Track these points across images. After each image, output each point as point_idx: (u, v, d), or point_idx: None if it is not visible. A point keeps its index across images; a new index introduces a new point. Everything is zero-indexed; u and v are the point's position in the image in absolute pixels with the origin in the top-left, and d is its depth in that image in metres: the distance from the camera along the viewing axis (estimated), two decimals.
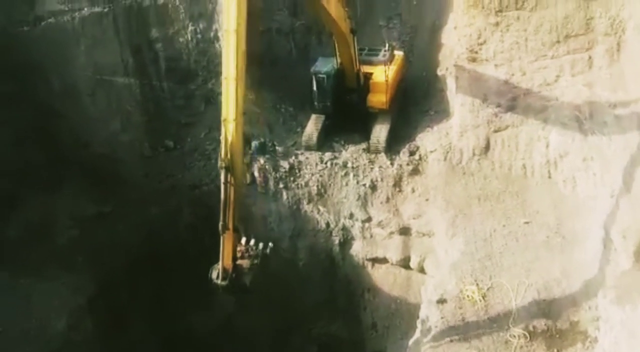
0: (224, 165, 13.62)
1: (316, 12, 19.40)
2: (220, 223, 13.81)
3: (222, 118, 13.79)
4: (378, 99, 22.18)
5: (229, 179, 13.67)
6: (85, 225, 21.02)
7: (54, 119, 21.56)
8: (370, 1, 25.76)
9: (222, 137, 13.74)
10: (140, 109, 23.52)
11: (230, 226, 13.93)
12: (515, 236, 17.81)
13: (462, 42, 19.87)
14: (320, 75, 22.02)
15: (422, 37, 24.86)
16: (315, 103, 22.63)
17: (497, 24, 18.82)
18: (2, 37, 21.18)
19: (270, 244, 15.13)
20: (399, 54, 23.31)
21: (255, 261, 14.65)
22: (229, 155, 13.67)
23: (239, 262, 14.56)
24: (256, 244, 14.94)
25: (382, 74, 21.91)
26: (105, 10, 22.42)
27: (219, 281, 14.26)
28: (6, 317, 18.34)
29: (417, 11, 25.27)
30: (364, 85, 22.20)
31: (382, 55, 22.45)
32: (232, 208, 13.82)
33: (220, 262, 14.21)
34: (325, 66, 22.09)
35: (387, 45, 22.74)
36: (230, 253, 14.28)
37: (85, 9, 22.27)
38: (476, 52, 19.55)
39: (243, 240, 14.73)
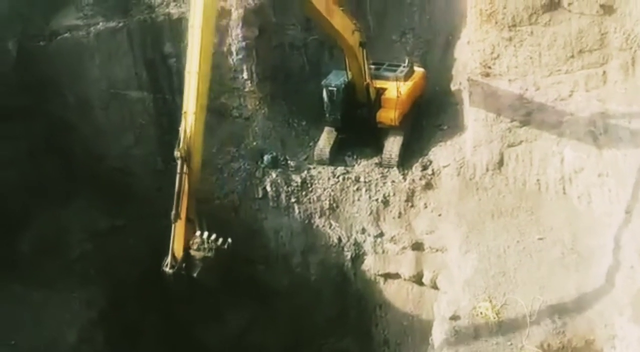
0: (180, 155, 14.15)
1: (321, 25, 19.55)
2: (173, 212, 14.36)
3: (183, 111, 14.40)
4: (387, 115, 22.06)
5: (184, 170, 14.21)
6: (97, 238, 21.11)
7: (68, 132, 21.75)
8: (382, 16, 25.78)
9: (181, 129, 14.31)
10: (153, 123, 23.60)
11: (183, 215, 14.40)
12: (529, 252, 17.61)
13: (475, 56, 19.78)
14: (331, 88, 22.02)
15: (435, 51, 24.82)
16: (326, 115, 22.59)
17: (510, 39, 18.72)
18: (19, 52, 21.47)
19: (229, 240, 15.23)
20: (419, 70, 23.15)
21: (209, 254, 14.74)
22: (185, 147, 14.18)
23: (192, 253, 14.76)
24: (216, 239, 15.04)
25: (400, 89, 21.84)
26: (120, 25, 22.62)
27: (166, 269, 14.61)
28: (18, 329, 18.42)
29: (431, 26, 25.25)
30: (376, 100, 22.13)
31: (400, 71, 22.34)
32: (185, 198, 14.28)
33: (170, 251, 14.59)
34: (336, 79, 22.09)
35: (406, 61, 22.71)
36: (182, 242, 14.60)
37: (100, 23, 22.49)
38: (489, 67, 19.44)
39: (206, 234, 14.93)
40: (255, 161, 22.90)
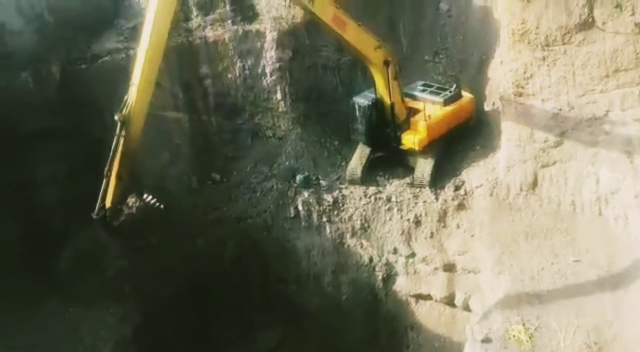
0: (120, 119, 15.84)
1: (336, 39, 20.07)
2: (107, 168, 16.16)
3: (131, 82, 16.02)
4: (412, 139, 21.85)
5: (122, 133, 15.94)
6: (133, 256, 21.50)
7: (106, 152, 22.29)
8: (415, 36, 25.94)
9: (126, 97, 16.02)
10: (189, 143, 24.15)
11: (114, 173, 16.18)
12: (564, 275, 17.23)
13: (508, 76, 19.67)
14: (358, 104, 22.17)
15: (468, 71, 24.78)
16: (351, 129, 22.83)
17: (543, 58, 18.57)
18: (62, 75, 22.26)
19: (161, 206, 17.46)
20: (466, 96, 22.70)
21: (133, 210, 16.73)
22: (125, 112, 15.90)
23: (123, 207, 16.72)
24: (146, 200, 17.26)
25: (432, 113, 21.77)
26: None
27: (93, 215, 16.44)
28: (55, 345, 18.83)
29: (464, 46, 25.27)
30: (405, 121, 22.06)
31: (443, 95, 22.14)
32: (118, 157, 16.00)
33: (99, 200, 16.36)
34: (367, 96, 22.19)
35: (454, 85, 22.57)
36: (111, 196, 16.37)
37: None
38: (522, 87, 19.30)
39: (135, 197, 16.88)
40: (288, 181, 23.14)
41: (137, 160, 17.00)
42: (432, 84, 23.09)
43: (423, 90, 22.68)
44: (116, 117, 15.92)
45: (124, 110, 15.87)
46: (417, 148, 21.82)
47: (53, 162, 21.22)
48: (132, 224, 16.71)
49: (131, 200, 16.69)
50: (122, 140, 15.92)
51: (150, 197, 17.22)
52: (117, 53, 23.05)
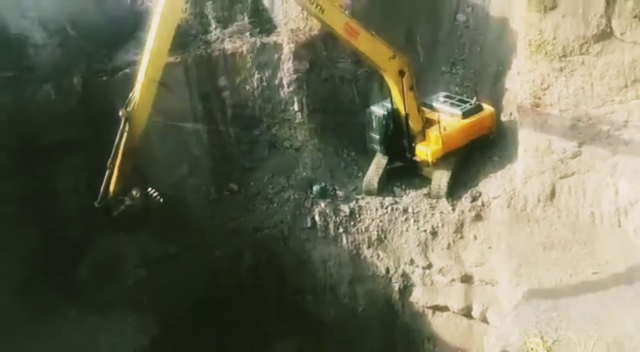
0: (125, 115, 16.34)
1: (348, 47, 20.22)
2: (110, 160, 16.71)
3: (137, 80, 16.62)
4: (424, 150, 21.84)
5: (125, 128, 16.43)
6: (151, 266, 21.71)
7: None
8: (432, 47, 26.00)
9: (131, 94, 16.57)
10: (207, 154, 24.34)
11: (116, 164, 16.72)
12: (583, 287, 17.05)
13: (525, 87, 19.61)
14: (374, 114, 22.28)
15: (485, 83, 24.76)
16: (368, 141, 22.96)
17: (561, 69, 18.50)
18: (83, 87, 22.64)
19: (161, 200, 17.88)
20: (486, 110, 22.49)
21: (132, 202, 17.20)
22: (129, 109, 16.39)
23: (124, 199, 17.20)
24: (146, 194, 17.70)
25: (449, 126, 21.73)
26: (177, 60, 23.56)
27: (95, 203, 16.97)
28: None
29: (481, 57, 25.28)
30: (421, 132, 22.03)
31: (462, 107, 22.06)
32: (121, 150, 16.56)
33: (102, 190, 16.88)
34: (384, 105, 22.26)
35: (474, 99, 22.50)
36: (113, 187, 16.87)
37: None
38: (540, 98, 19.21)
39: (137, 190, 17.41)
40: (305, 191, 23.23)
41: (142, 156, 17.71)
42: (454, 96, 23.05)
43: (443, 102, 22.64)
44: (120, 114, 16.54)
45: (128, 107, 16.53)
46: (429, 159, 21.83)
47: (74, 172, 21.53)
48: (130, 214, 17.35)
49: (134, 192, 17.37)
50: (125, 136, 16.57)
51: (153, 190, 17.81)
52: (136, 65, 23.31)
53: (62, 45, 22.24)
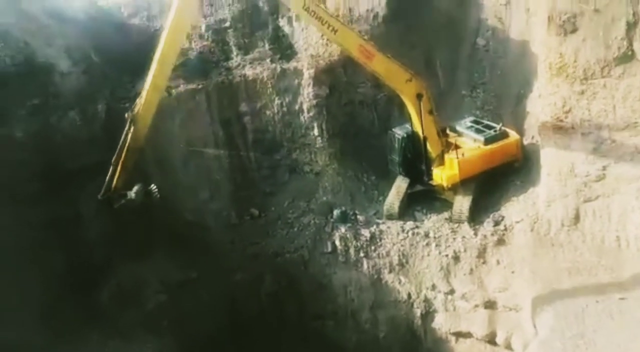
0: (130, 117, 17.89)
1: (366, 68, 20.38)
2: (114, 157, 18.06)
3: (145, 88, 18.04)
4: (441, 175, 21.74)
5: (130, 129, 17.91)
6: (172, 291, 21.74)
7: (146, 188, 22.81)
8: (452, 71, 26.03)
9: (138, 99, 18.15)
10: (228, 179, 24.51)
11: (120, 161, 18.03)
12: (609, 313, 16.63)
13: (546, 110, 19.49)
14: (395, 135, 22.31)
15: (506, 106, 24.66)
16: (389, 163, 23.03)
17: (582, 92, 18.37)
18: (107, 113, 23.03)
19: (158, 196, 19.26)
20: (512, 137, 22.10)
21: (132, 196, 18.56)
22: (135, 112, 17.88)
23: (126, 193, 18.56)
24: (144, 189, 18.98)
25: (469, 151, 21.64)
26: (199, 87, 23.98)
27: (99, 196, 18.51)
28: None
29: (502, 80, 25.21)
30: (440, 156, 21.94)
31: (486, 133, 21.84)
32: (125, 149, 17.98)
33: (105, 184, 18.28)
34: (405, 128, 22.22)
35: (499, 125, 22.25)
36: (116, 182, 18.28)
37: (181, 85, 23.92)
38: (562, 121, 19.06)
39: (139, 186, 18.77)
40: (325, 216, 23.22)
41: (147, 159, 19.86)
42: (482, 121, 22.86)
43: (469, 127, 22.51)
44: (126, 115, 18.07)
45: (133, 110, 18.01)
46: (445, 184, 21.70)
47: (97, 197, 21.77)
48: (130, 207, 18.77)
49: (136, 187, 18.67)
50: (129, 136, 18.02)
51: (154, 186, 19.10)
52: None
53: (87, 72, 22.70)
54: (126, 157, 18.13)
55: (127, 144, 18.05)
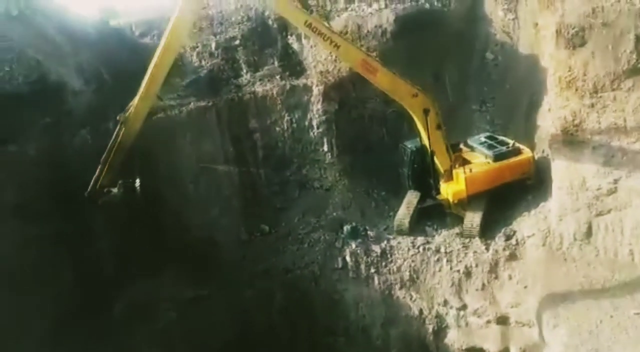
0: (122, 119, 19.22)
1: (372, 83, 20.48)
2: (104, 156, 19.28)
3: (139, 93, 19.24)
4: (447, 190, 21.73)
5: (120, 130, 19.22)
6: (183, 308, 21.71)
7: (159, 204, 22.94)
8: (462, 85, 26.08)
9: (130, 104, 19.31)
10: (239, 195, 24.61)
11: (109, 161, 19.26)
12: (624, 328, 16.38)
13: (556, 124, 19.41)
14: (405, 148, 22.34)
15: (516, 120, 24.61)
16: (400, 176, 23.00)
17: (592, 105, 18.29)
18: (118, 131, 23.18)
19: (138, 191, 20.25)
20: (524, 155, 21.83)
21: (114, 191, 19.75)
22: (126, 114, 19.16)
23: (111, 190, 19.78)
24: (126, 182, 20.09)
25: (477, 167, 21.56)
26: (210, 104, 24.20)
27: (85, 193, 19.49)
28: None
29: (511, 94, 25.22)
30: (449, 171, 21.85)
31: (496, 150, 21.73)
32: (114, 149, 19.24)
33: (92, 182, 19.38)
34: (416, 141, 22.21)
35: (511, 142, 22.14)
36: (102, 179, 19.41)
37: (192, 103, 24.16)
38: (572, 134, 18.97)
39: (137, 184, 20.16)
40: (335, 232, 23.18)
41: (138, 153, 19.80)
42: (497, 137, 22.72)
43: (482, 143, 22.43)
44: (118, 118, 19.31)
45: (126, 113, 19.19)
46: (451, 199, 21.65)
47: (109, 214, 21.88)
48: (113, 202, 19.84)
49: (119, 183, 19.79)
50: (119, 137, 19.21)
51: (137, 182, 20.10)
52: (171, 110, 23.97)
53: (98, 90, 22.97)
54: (114, 156, 19.28)
55: (116, 145, 19.27)
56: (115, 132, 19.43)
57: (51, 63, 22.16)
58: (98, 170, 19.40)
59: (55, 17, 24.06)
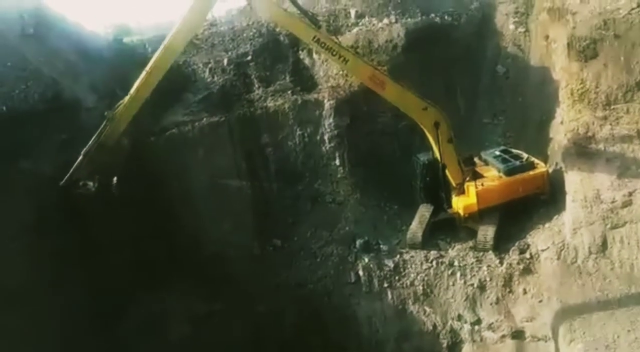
0: (108, 116, 19.17)
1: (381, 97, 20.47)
2: (86, 149, 19.13)
3: (129, 94, 19.19)
4: (458, 204, 21.68)
5: (107, 126, 19.14)
6: (195, 323, 21.70)
7: (171, 219, 23.03)
8: (473, 98, 26.09)
9: (121, 101, 19.32)
10: (251, 210, 24.58)
11: (90, 154, 19.12)
12: None
13: (569, 136, 19.36)
14: (417, 161, 22.33)
15: (528, 132, 24.55)
16: (413, 188, 22.97)
17: (605, 117, 18.25)
18: (132, 146, 23.38)
19: (114, 186, 19.84)
20: (538, 170, 21.69)
21: (91, 185, 19.48)
22: (114, 112, 19.12)
23: (86, 183, 19.51)
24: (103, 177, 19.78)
25: (489, 182, 21.47)
26: (222, 119, 24.30)
27: (61, 183, 19.30)
28: None
29: (523, 107, 25.19)
30: (461, 185, 21.79)
31: (509, 164, 21.66)
32: (97, 144, 19.15)
33: (70, 173, 19.21)
34: (427, 154, 22.14)
35: (526, 156, 22.12)
36: (82, 171, 19.32)
37: (204, 119, 24.27)
38: (585, 147, 18.90)
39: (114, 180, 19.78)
40: (348, 246, 23.09)
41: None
42: (511, 151, 22.63)
43: (496, 157, 22.34)
44: (105, 114, 19.34)
45: (115, 111, 19.22)
46: (462, 213, 21.58)
47: (121, 228, 22.02)
48: (86, 195, 19.63)
49: (96, 177, 19.57)
50: (104, 133, 19.21)
51: (115, 180, 19.78)
52: (183, 126, 24.13)
53: (112, 107, 23.14)
54: (96, 151, 19.25)
55: (99, 140, 19.26)
56: (100, 128, 19.35)
57: (66, 81, 22.48)
58: (77, 162, 19.31)
59: (69, 36, 24.38)
